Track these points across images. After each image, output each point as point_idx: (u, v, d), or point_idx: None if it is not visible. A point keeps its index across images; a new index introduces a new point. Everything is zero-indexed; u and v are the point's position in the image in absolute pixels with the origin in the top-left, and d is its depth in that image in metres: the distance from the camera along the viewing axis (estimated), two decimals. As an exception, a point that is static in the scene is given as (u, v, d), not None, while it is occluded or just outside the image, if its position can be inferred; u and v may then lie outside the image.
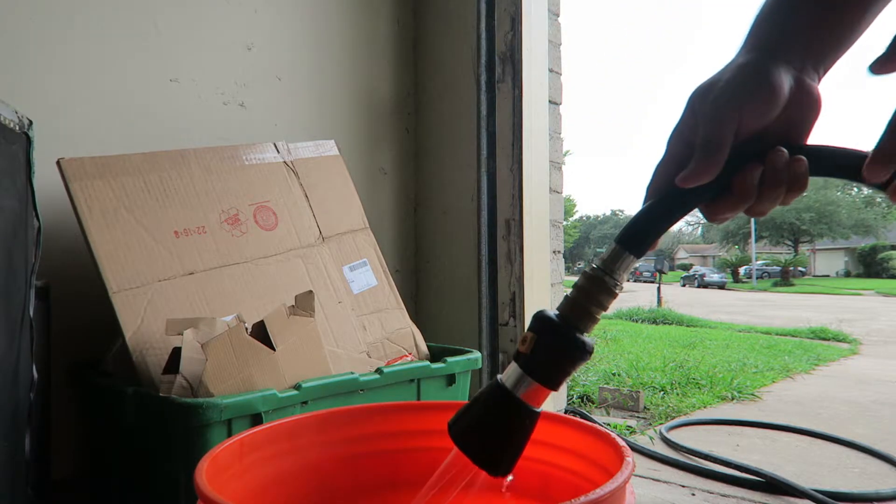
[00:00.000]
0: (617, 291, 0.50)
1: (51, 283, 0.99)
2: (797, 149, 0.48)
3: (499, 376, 0.53)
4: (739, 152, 0.48)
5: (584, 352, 0.50)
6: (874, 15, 0.50)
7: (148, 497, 0.98)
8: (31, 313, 0.82)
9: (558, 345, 0.50)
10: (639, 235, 0.50)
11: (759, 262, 31.51)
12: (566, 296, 0.52)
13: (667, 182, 0.50)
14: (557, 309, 0.52)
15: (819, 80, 0.50)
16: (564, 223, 2.13)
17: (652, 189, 0.51)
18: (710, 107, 0.48)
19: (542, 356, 0.51)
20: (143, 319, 1.03)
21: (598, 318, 0.51)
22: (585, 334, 0.50)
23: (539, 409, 0.53)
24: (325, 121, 1.74)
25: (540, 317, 0.51)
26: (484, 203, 1.75)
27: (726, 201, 0.49)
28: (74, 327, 1.16)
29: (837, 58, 0.51)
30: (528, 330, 0.52)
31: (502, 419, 0.52)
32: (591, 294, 0.50)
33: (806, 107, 0.48)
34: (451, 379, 1.25)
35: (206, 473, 0.53)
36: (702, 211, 0.51)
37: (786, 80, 0.47)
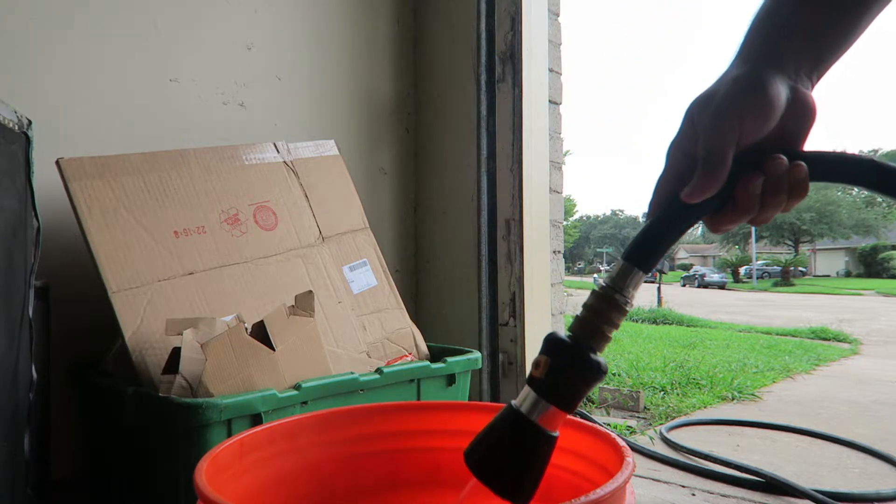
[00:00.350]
0: (627, 308, 0.50)
1: (50, 283, 0.99)
2: (795, 155, 0.48)
3: (513, 402, 0.52)
4: (740, 163, 0.48)
5: (598, 372, 0.50)
6: (868, 22, 0.50)
7: (148, 497, 0.98)
8: (31, 313, 0.82)
9: (572, 366, 0.50)
10: (646, 251, 0.50)
11: (759, 262, 31.50)
12: (576, 316, 0.51)
13: (669, 196, 0.50)
14: (569, 329, 0.52)
15: (812, 87, 0.50)
16: (564, 223, 2.13)
17: (655, 203, 0.51)
18: (710, 118, 0.48)
19: (557, 379, 0.50)
20: (142, 319, 1.03)
21: (610, 337, 0.50)
22: (598, 353, 0.50)
23: (556, 433, 0.52)
24: (325, 121, 1.74)
25: (551, 339, 0.51)
26: (484, 203, 1.75)
27: (729, 212, 0.49)
28: (74, 327, 1.16)
29: (831, 65, 0.50)
30: (541, 353, 0.51)
31: (521, 446, 0.51)
32: (603, 313, 0.50)
33: (801, 116, 0.48)
34: (451, 379, 1.25)
35: (205, 473, 0.53)
36: (705, 223, 0.51)
37: (782, 91, 0.47)
